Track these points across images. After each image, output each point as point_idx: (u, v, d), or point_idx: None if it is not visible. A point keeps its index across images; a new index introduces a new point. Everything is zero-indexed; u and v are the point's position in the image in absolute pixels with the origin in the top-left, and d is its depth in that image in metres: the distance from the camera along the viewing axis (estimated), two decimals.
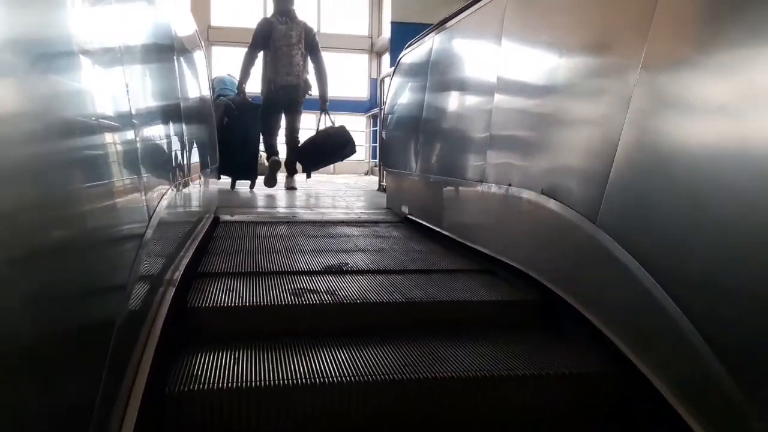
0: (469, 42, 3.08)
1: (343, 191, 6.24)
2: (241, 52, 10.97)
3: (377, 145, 11.31)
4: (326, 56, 11.83)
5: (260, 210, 4.50)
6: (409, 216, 3.79)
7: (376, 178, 10.21)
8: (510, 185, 2.13)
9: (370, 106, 11.57)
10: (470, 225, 2.71)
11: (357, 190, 6.83)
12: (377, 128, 11.26)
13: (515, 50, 2.31)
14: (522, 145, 2.18)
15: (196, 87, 2.87)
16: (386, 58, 11.44)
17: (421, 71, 3.83)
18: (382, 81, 11.26)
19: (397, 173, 4.30)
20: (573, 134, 1.75)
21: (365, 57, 11.71)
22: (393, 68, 4.59)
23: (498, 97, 2.34)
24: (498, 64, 2.39)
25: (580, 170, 1.66)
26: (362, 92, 12.00)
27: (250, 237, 2.93)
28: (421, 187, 3.58)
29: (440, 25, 3.50)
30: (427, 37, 3.75)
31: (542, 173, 1.88)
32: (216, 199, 4.13)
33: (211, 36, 10.95)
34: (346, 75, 11.90)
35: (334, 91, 12.66)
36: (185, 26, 2.70)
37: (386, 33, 11.15)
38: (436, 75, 3.46)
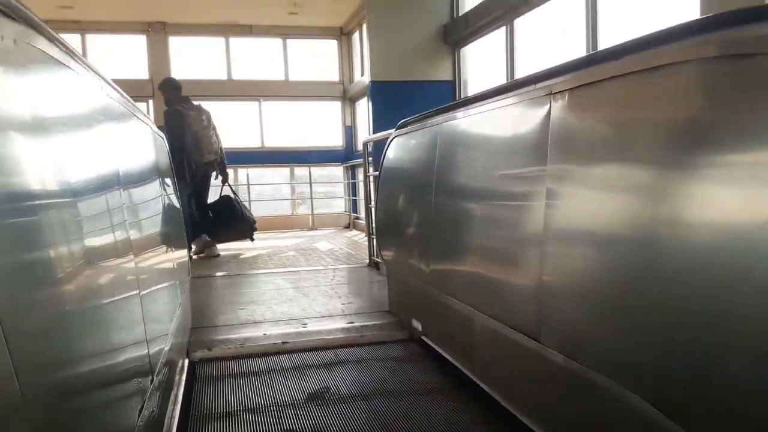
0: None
1: (331, 276, 5.50)
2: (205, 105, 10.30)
3: (357, 198, 10.68)
4: (296, 105, 11.29)
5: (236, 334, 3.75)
6: (423, 338, 3.10)
7: (359, 235, 9.56)
8: None
9: (345, 155, 10.94)
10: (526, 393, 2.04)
11: (342, 267, 6.11)
12: (356, 180, 10.62)
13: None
14: None
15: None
16: (361, 104, 10.86)
17: (426, 160, 3.21)
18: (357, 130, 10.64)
19: (401, 266, 3.63)
20: None
21: (338, 104, 11.11)
22: (387, 145, 3.99)
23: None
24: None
25: None
26: (337, 141, 11.37)
27: None
28: (439, 306, 2.91)
29: (447, 111, 2.89)
30: (430, 123, 3.14)
31: None
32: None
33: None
34: (318, 124, 11.29)
35: (308, 142, 12.10)
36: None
37: (358, 77, 10.59)
38: (449, 167, 2.84)
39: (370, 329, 3.55)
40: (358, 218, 10.38)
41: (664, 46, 1.37)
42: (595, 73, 1.68)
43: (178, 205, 3.57)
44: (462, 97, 6.27)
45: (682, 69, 1.33)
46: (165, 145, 3.48)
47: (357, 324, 3.66)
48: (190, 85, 10.29)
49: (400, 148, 3.87)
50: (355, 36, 10.69)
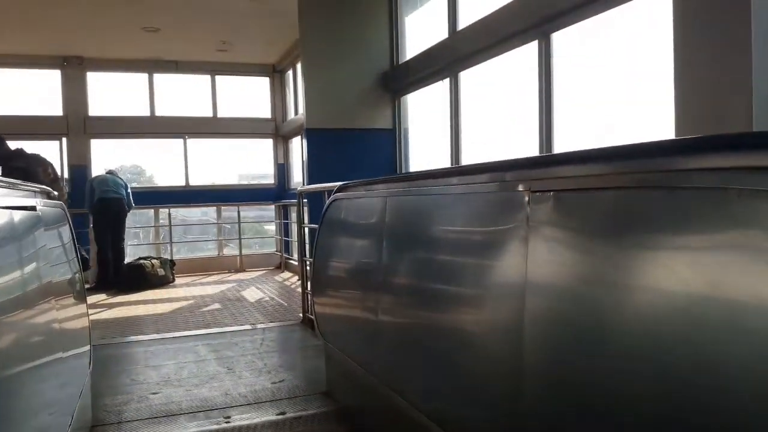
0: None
1: (260, 340, 5.00)
2: (121, 143, 9.64)
3: (290, 239, 10.18)
4: (226, 142, 10.76)
5: None
6: None
7: (291, 278, 9.06)
8: None
9: (278, 193, 10.47)
10: None
11: (273, 325, 5.62)
12: (288, 220, 10.15)
13: None
14: None
15: None
16: (295, 142, 10.46)
17: (372, 232, 2.87)
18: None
19: (343, 348, 3.24)
20: None
21: (270, 142, 10.66)
22: (327, 206, 3.63)
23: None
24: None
25: None
26: (269, 179, 10.89)
27: None
28: (389, 408, 2.53)
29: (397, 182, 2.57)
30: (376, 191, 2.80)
31: None
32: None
33: (89, 127, 9.51)
34: (249, 162, 10.80)
35: (240, 180, 11.52)
36: None
37: (291, 115, 10.21)
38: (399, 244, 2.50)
39: (304, 423, 3.11)
40: (289, 259, 9.88)
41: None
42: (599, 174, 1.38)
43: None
44: (402, 147, 6.02)
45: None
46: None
47: (290, 415, 3.21)
48: (110, 123, 9.65)
49: (340, 212, 3.51)
50: (289, 73, 10.35)
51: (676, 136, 2.74)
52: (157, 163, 10.20)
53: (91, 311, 6.83)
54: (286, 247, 10.09)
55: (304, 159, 6.11)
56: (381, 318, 2.71)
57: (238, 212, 10.18)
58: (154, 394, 3.64)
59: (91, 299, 7.56)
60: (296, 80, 9.82)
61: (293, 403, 3.38)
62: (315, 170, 5.95)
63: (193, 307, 6.77)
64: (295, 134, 10.12)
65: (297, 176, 10.43)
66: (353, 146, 5.93)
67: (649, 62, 3.37)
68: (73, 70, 9.38)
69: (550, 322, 1.52)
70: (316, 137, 5.93)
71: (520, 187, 1.69)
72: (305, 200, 5.74)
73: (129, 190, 8.85)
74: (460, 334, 2.03)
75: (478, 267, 1.92)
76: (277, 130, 10.55)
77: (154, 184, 12.08)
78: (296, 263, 9.41)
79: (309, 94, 5.85)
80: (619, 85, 3.53)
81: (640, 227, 1.27)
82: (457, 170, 2.26)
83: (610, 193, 1.36)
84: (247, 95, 10.76)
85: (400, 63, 6.00)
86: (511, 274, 1.70)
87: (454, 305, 2.08)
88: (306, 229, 5.70)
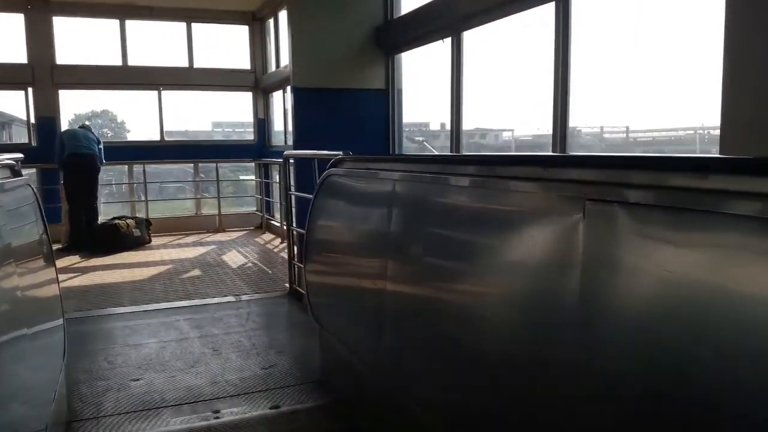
0: None
1: (245, 315, 4.73)
2: (93, 94, 9.10)
3: (271, 199, 9.83)
4: (204, 95, 10.25)
5: None
6: None
7: (274, 241, 8.73)
8: None
9: (259, 150, 10.05)
10: None
11: (258, 297, 5.36)
12: (269, 179, 9.77)
13: None
14: None
15: None
16: (276, 96, 9.98)
17: (377, 216, 2.61)
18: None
19: (341, 338, 3.02)
20: None
21: (249, 95, 10.16)
22: (322, 180, 3.33)
23: None
24: None
25: None
26: (248, 134, 10.45)
27: None
28: (393, 414, 2.32)
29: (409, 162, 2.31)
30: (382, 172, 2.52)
31: None
32: None
33: (57, 77, 8.91)
34: (229, 116, 10.32)
35: (217, 136, 11.05)
36: None
37: (272, 68, 9.70)
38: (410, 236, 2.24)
39: (300, 418, 2.90)
40: (271, 220, 9.57)
41: None
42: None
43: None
44: (395, 110, 5.66)
45: None
46: None
47: (285, 409, 2.99)
48: (79, 72, 9.05)
49: (339, 189, 3.21)
50: (270, 23, 9.78)
51: (720, 140, 2.47)
52: (130, 115, 9.68)
53: (63, 277, 6.52)
54: (267, 207, 9.75)
55: (290, 119, 5.74)
56: (387, 316, 2.46)
57: (216, 169, 9.76)
58: (134, 380, 3.39)
59: (63, 262, 7.21)
60: (278, 30, 9.28)
61: (287, 395, 3.16)
62: (303, 132, 5.60)
63: (173, 274, 6.47)
64: (276, 88, 9.64)
65: (279, 132, 10.00)
66: (343, 107, 5.57)
67: (690, 43, 3.07)
68: (38, 14, 8.70)
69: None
70: (303, 97, 5.54)
71: (573, 192, 1.43)
72: (292, 163, 5.41)
73: (101, 146, 8.38)
74: (482, 346, 1.79)
75: (512, 284, 1.66)
76: (257, 82, 10.04)
77: (126, 138, 11.56)
78: (278, 224, 9.12)
79: (296, 50, 5.44)
80: (648, 64, 3.23)
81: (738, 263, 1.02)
82: (487, 159, 1.97)
83: (700, 216, 1.10)
84: (225, 45, 10.18)
85: (395, 18, 5.59)
86: (557, 301, 1.44)
87: (475, 323, 1.83)
88: (292, 197, 5.39)
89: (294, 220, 5.52)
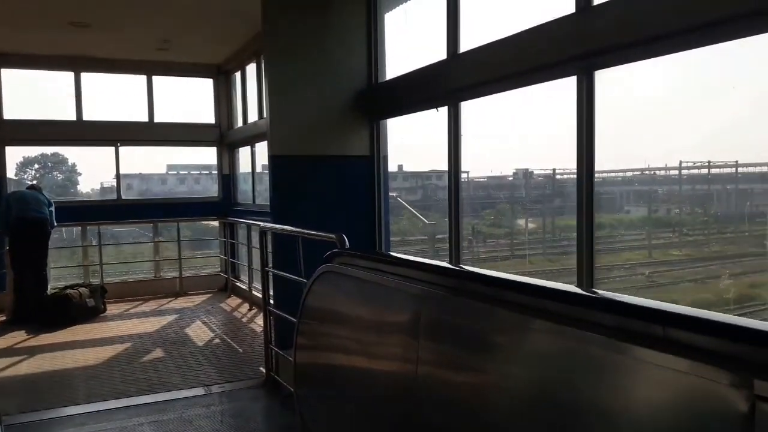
0: None
1: (219, 418, 4.15)
2: (41, 150, 8.41)
3: (237, 261, 9.25)
4: (166, 151, 9.71)
5: None
6: None
7: (241, 307, 8.09)
8: None
9: (224, 207, 9.51)
10: None
11: (231, 388, 4.80)
12: (234, 240, 9.22)
13: None
14: None
15: None
16: (243, 152, 9.52)
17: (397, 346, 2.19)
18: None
19: None
20: None
21: (213, 150, 9.67)
22: (313, 279, 2.88)
23: None
24: None
25: None
26: (212, 191, 9.92)
27: None
28: None
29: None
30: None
31: None
32: None
33: (3, 133, 8.25)
34: (185, 159, 9.80)
35: (182, 193, 10.44)
36: None
37: (240, 122, 9.27)
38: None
39: None
40: (236, 282, 8.96)
41: None
42: None
43: None
44: (381, 177, 5.28)
45: None
46: None
47: None
48: (30, 127, 8.43)
49: (337, 292, 2.77)
50: (236, 76, 9.39)
51: None
52: (84, 165, 9.03)
53: (4, 362, 5.81)
54: (233, 268, 9.16)
55: (257, 178, 5.29)
56: None
57: (178, 229, 9.16)
58: None
59: (7, 340, 6.48)
60: (245, 84, 8.89)
61: None
62: (281, 201, 5.14)
63: (132, 356, 5.83)
64: (243, 144, 9.20)
65: (246, 190, 9.52)
66: (325, 175, 5.17)
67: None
68: None
69: None
70: (281, 164, 5.12)
71: (730, 381, 1.06)
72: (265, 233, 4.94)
73: (53, 208, 7.72)
74: None
75: None
76: (222, 137, 9.58)
77: (77, 183, 10.87)
78: (245, 288, 8.55)
79: (273, 116, 5.03)
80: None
81: None
82: (573, 297, 1.57)
83: None
84: (188, 98, 9.73)
85: (380, 82, 5.27)
86: None
87: None
88: (270, 274, 4.90)
89: (270, 295, 5.02)
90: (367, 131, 5.35)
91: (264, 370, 5.02)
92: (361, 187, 5.35)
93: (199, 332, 6.71)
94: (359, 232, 5.34)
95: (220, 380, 5.03)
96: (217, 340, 6.37)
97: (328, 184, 5.24)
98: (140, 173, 11.98)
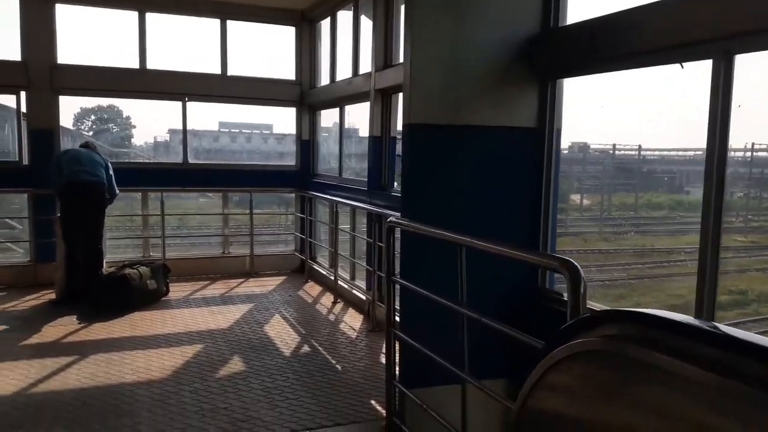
0: None
1: None
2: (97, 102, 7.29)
3: (314, 240, 7.99)
4: (236, 109, 8.42)
5: None
6: None
7: (323, 297, 6.91)
8: None
9: (301, 178, 8.23)
10: None
11: None
12: (312, 217, 7.95)
13: None
14: None
15: None
16: (325, 114, 8.20)
17: None
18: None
19: None
20: None
21: (292, 111, 8.35)
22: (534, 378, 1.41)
23: None
24: None
25: None
26: (289, 159, 8.65)
27: None
28: None
29: None
30: None
31: None
32: None
33: (57, 80, 7.10)
34: (267, 137, 8.53)
35: (250, 159, 9.16)
36: None
37: (324, 80, 7.92)
38: None
39: None
40: (314, 265, 7.71)
41: None
42: None
43: None
44: (553, 158, 3.83)
45: None
46: None
47: None
48: (86, 74, 7.25)
49: (620, 396, 1.38)
50: (322, 24, 8.00)
51: None
52: (139, 123, 7.89)
53: (51, 359, 4.73)
54: (311, 249, 7.91)
55: (404, 167, 3.89)
56: None
57: (251, 200, 7.93)
58: None
59: (55, 330, 5.40)
60: (335, 33, 7.49)
61: None
62: (416, 186, 3.77)
63: (204, 366, 4.63)
64: (327, 106, 7.85)
65: (327, 157, 8.24)
66: (475, 152, 3.77)
67: None
68: (36, 2, 6.90)
69: None
70: (421, 138, 3.72)
71: None
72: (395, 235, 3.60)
73: (111, 172, 6.57)
74: None
75: None
76: (302, 97, 8.24)
77: (132, 136, 9.80)
78: (325, 273, 7.32)
79: (416, 72, 3.61)
80: None
81: None
82: None
83: None
84: (265, 50, 8.41)
85: (560, 26, 3.79)
86: None
87: None
88: (396, 285, 3.57)
89: (395, 310, 3.71)
90: (534, 95, 3.89)
91: (383, 411, 3.76)
92: (522, 169, 3.93)
93: (282, 333, 5.48)
94: (514, 227, 3.94)
95: (323, 419, 3.78)
96: (306, 348, 5.13)
97: (479, 164, 3.83)
98: (193, 129, 10.89)
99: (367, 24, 6.67)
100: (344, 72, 7.26)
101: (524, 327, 2.43)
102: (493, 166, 3.87)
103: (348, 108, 7.26)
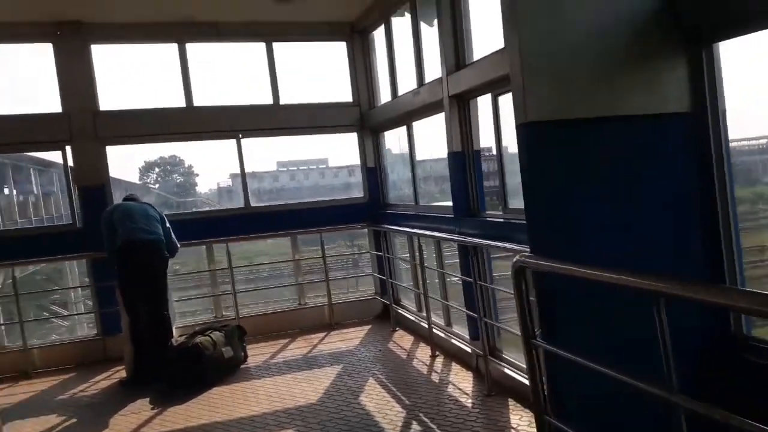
0: None
1: None
2: (145, 149, 6.69)
3: (394, 281, 7.05)
4: (289, 141, 7.68)
5: None
6: None
7: (418, 352, 5.66)
8: None
9: (371, 209, 7.39)
10: None
11: None
12: (390, 254, 7.04)
13: None
14: None
15: None
16: (392, 135, 7.36)
17: None
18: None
19: None
20: None
21: (353, 137, 7.54)
22: None
23: None
24: None
25: None
26: (355, 191, 7.83)
27: None
28: None
29: None
30: None
31: None
32: None
33: (102, 128, 6.54)
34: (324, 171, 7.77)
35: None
36: None
37: (384, 96, 7.09)
38: None
39: None
40: (399, 309, 6.81)
41: None
42: None
43: None
44: (720, 145, 2.80)
45: None
46: None
47: None
48: (131, 120, 6.70)
49: None
50: (375, 35, 7.20)
51: None
52: (208, 173, 7.27)
53: None
54: (384, 288, 7.01)
55: (525, 185, 2.89)
56: None
57: (321, 242, 7.14)
58: None
59: (125, 417, 4.71)
60: (391, 42, 6.64)
61: None
62: (546, 206, 2.81)
63: None
64: (391, 125, 6.99)
65: (398, 183, 7.38)
66: (610, 151, 2.79)
67: None
68: (71, 42, 6.32)
69: None
70: (542, 139, 2.77)
71: None
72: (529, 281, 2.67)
73: (168, 225, 5.93)
74: None
75: None
76: (362, 119, 7.42)
77: (196, 184, 9.25)
78: (413, 318, 6.42)
79: (532, 55, 2.69)
80: None
81: None
82: None
83: None
84: (316, 70, 7.68)
85: None
86: None
87: None
88: (541, 354, 2.60)
89: (544, 390, 2.72)
90: (683, 68, 2.89)
91: None
92: (675, 168, 2.92)
93: (382, 405, 4.55)
94: (684, 255, 2.92)
95: None
96: (416, 426, 4.16)
97: (615, 167, 2.86)
98: (252, 172, 10.33)
99: (423, 27, 5.86)
100: (406, 84, 6.43)
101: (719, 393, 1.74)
102: (641, 171, 2.88)
103: (417, 125, 6.39)
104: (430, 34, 5.74)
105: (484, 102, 5.05)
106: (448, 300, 5.83)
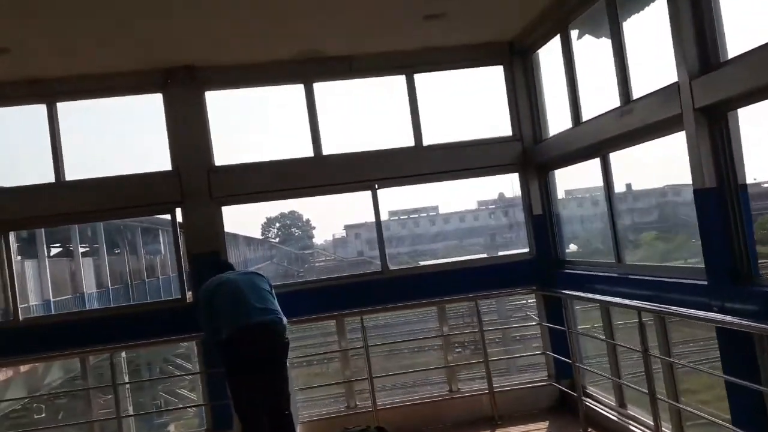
0: None
1: None
2: (280, 208, 5.49)
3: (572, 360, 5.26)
4: (434, 188, 6.17)
5: None
6: None
7: None
8: None
9: (539, 268, 5.78)
10: None
11: None
12: (566, 328, 5.30)
13: None
14: None
15: None
16: (564, 174, 5.79)
17: None
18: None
19: None
20: None
21: (514, 177, 6.05)
22: None
23: None
24: None
25: None
26: (521, 244, 6.25)
27: None
28: None
29: None
30: None
31: None
32: None
33: (217, 187, 5.49)
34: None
35: (468, 251, 6.74)
36: None
37: (554, 128, 5.58)
38: None
39: None
40: (589, 401, 5.07)
41: None
42: None
43: None
44: None
45: None
46: None
47: None
48: (250, 175, 5.61)
49: None
50: (541, 54, 5.77)
51: None
52: (324, 226, 6.09)
53: None
54: (569, 370, 5.27)
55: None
56: None
57: (477, 311, 5.61)
58: None
59: None
60: (570, 59, 5.15)
61: None
62: None
63: None
64: (572, 160, 5.42)
65: (582, 233, 5.75)
66: None
67: None
68: (183, 91, 5.42)
69: None
70: None
71: None
72: None
73: (274, 292, 4.65)
74: None
75: None
76: (525, 156, 5.91)
77: (313, 237, 8.09)
78: (613, 416, 4.65)
79: None
80: None
81: None
82: None
83: None
84: (466, 101, 6.32)
85: None
86: None
87: None
88: None
89: None
90: None
91: None
92: None
93: None
94: None
95: None
96: None
97: None
98: (365, 222, 9.13)
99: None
100: (591, 108, 4.90)
101: None
102: None
103: (615, 156, 4.78)
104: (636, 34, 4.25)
105: (749, 114, 3.41)
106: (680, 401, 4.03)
